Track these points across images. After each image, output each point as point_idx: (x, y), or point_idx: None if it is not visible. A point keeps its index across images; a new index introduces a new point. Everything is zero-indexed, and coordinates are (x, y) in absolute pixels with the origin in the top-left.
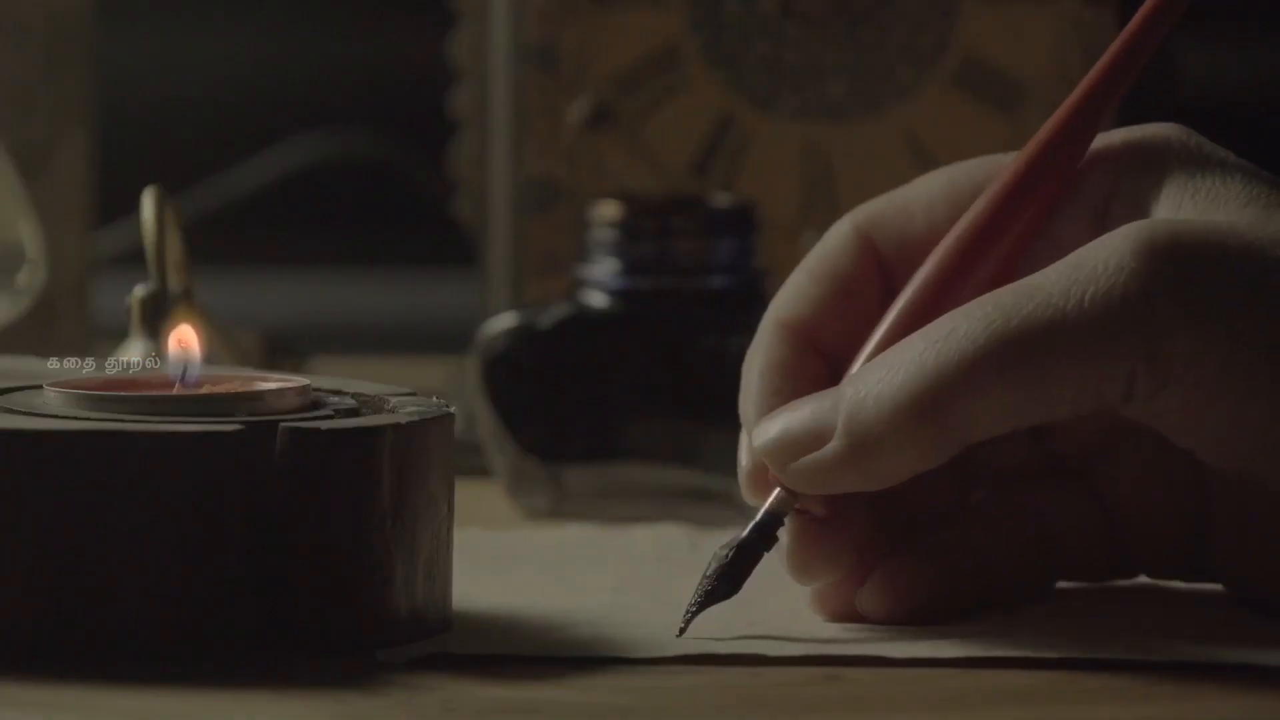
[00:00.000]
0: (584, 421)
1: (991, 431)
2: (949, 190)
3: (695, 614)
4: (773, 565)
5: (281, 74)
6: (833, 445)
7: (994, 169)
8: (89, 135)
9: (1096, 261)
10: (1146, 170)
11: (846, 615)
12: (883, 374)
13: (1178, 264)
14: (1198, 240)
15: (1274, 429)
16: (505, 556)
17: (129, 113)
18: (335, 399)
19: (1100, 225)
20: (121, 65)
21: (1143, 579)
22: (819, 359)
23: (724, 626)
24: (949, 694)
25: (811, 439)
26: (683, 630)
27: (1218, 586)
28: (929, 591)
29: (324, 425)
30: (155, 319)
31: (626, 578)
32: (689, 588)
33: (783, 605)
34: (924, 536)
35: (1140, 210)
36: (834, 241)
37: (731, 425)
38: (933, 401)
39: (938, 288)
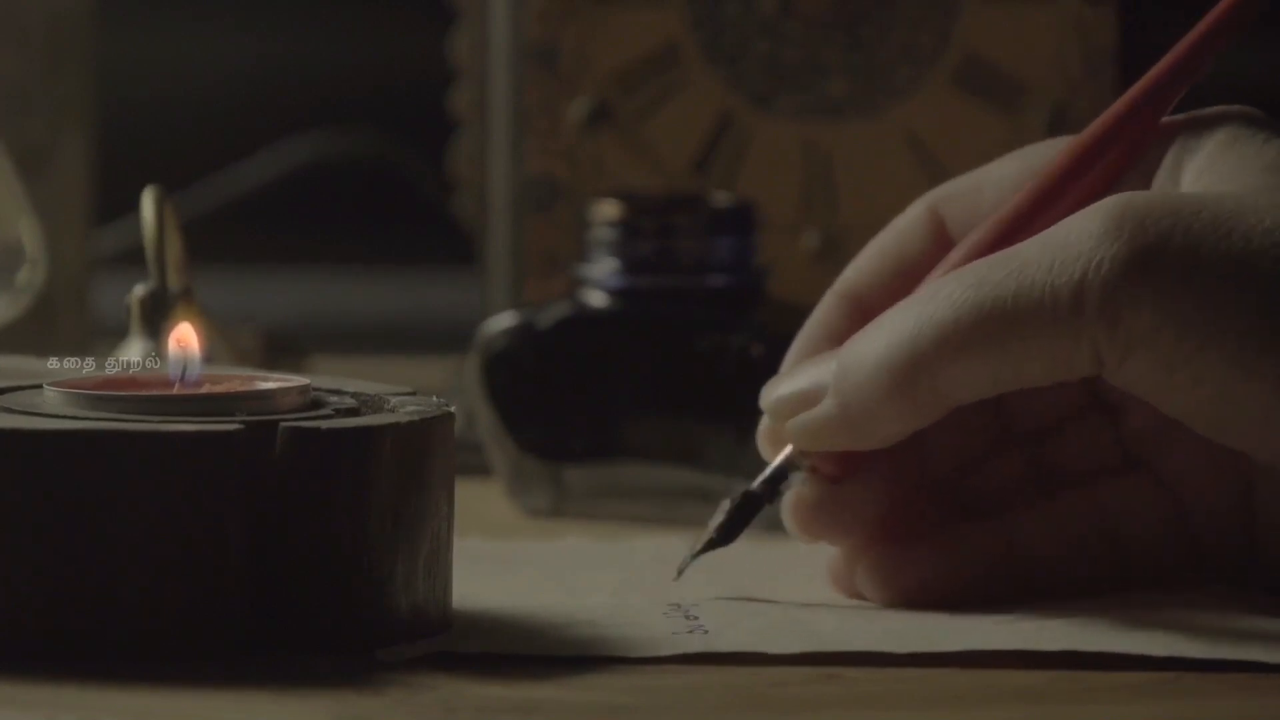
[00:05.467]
0: (584, 421)
1: (972, 395)
2: (1020, 171)
3: (693, 559)
4: (782, 555)
5: (281, 74)
6: (825, 404)
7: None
8: (89, 135)
9: (1069, 229)
10: (1192, 139)
11: (861, 595)
12: (872, 337)
13: (1142, 232)
14: (1169, 210)
15: (1234, 396)
16: (505, 559)
17: (129, 113)
18: (335, 398)
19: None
20: (121, 65)
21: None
22: None
23: (726, 616)
24: (949, 693)
25: (810, 396)
26: (679, 574)
27: (1223, 586)
28: (932, 578)
29: (324, 425)
30: (155, 318)
31: (626, 579)
32: (689, 590)
33: (787, 590)
34: (950, 524)
35: (1176, 177)
36: (906, 220)
37: (731, 425)
38: (912, 366)
39: (983, 252)
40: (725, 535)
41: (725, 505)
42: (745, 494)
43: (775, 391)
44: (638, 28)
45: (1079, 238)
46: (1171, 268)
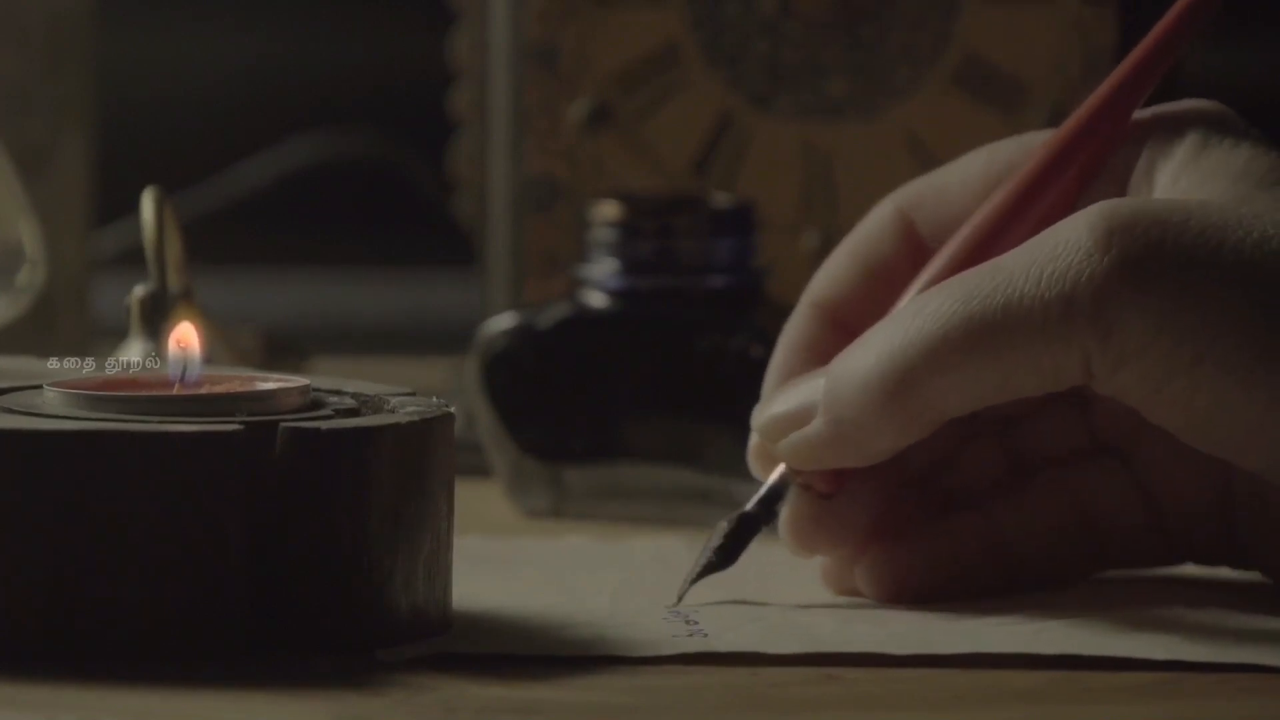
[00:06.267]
0: (584, 421)
1: (963, 409)
2: (986, 170)
3: (691, 584)
4: (779, 557)
5: (281, 74)
6: (815, 423)
7: (1033, 148)
8: (89, 135)
9: (1056, 241)
10: (1164, 142)
11: (855, 592)
12: (860, 354)
13: (1132, 243)
14: (1156, 218)
15: (1229, 404)
16: (505, 559)
17: (129, 113)
18: (335, 399)
19: (1118, 196)
20: (121, 65)
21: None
22: (850, 339)
23: (725, 620)
24: (949, 694)
25: (800, 416)
26: (679, 599)
27: (1225, 580)
28: (927, 574)
29: (324, 425)
30: (155, 319)
31: (626, 580)
32: (689, 594)
33: (786, 593)
34: (936, 519)
35: (1150, 181)
36: (874, 222)
37: (731, 425)
38: (901, 381)
39: (961, 263)
40: (724, 558)
41: (722, 527)
42: (741, 516)
43: (766, 412)
44: (638, 28)
45: (1066, 249)
46: (1165, 278)
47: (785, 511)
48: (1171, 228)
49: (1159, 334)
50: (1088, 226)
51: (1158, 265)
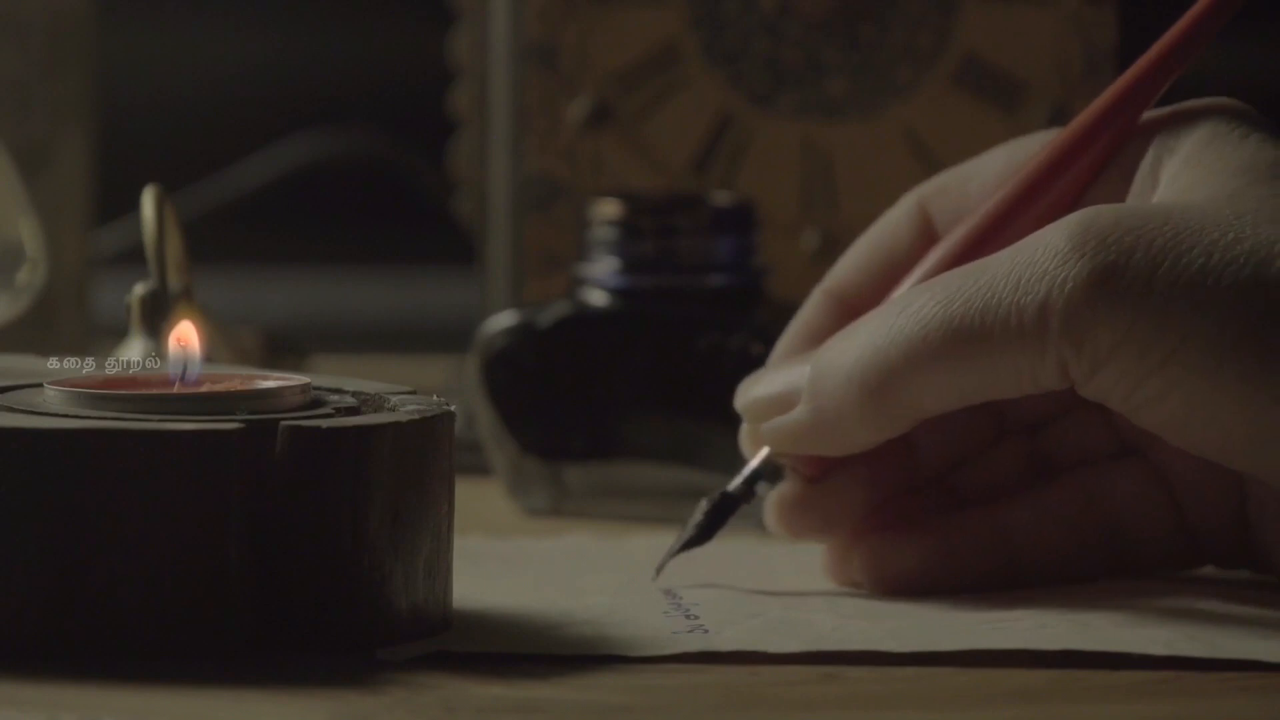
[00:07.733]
0: (584, 421)
1: (941, 408)
2: (1006, 165)
3: (671, 558)
4: (780, 551)
5: (281, 74)
6: (798, 411)
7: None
8: (89, 135)
9: (1036, 246)
10: (1172, 137)
11: (856, 583)
12: (844, 347)
13: (1105, 250)
14: (1133, 226)
15: (1201, 406)
16: (506, 559)
17: (129, 112)
18: (335, 397)
19: (1126, 191)
20: (121, 65)
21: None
22: None
23: (725, 614)
24: (948, 693)
25: (783, 401)
26: (658, 573)
27: (1226, 578)
28: (924, 566)
29: (324, 424)
30: (155, 318)
31: (626, 580)
32: (689, 588)
33: (787, 586)
34: (935, 513)
35: (1155, 177)
36: (894, 216)
37: (731, 425)
38: (881, 380)
39: (960, 257)
40: (702, 534)
41: (703, 505)
42: (723, 494)
43: (751, 393)
44: (638, 27)
45: (1044, 255)
46: (1129, 288)
47: (772, 493)
48: (1146, 234)
49: (1127, 339)
50: (1067, 233)
51: (1125, 272)
